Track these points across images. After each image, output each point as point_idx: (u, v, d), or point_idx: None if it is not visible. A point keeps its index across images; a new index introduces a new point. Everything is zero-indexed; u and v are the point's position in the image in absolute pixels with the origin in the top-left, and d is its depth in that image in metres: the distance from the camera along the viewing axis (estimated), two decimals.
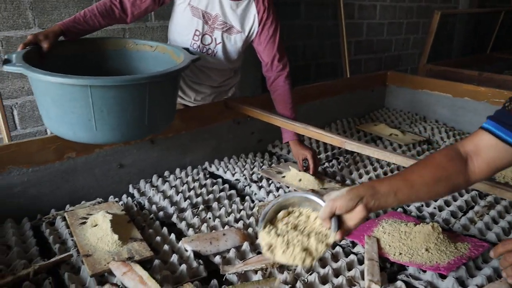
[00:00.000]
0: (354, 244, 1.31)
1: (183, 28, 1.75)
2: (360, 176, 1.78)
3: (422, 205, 1.54)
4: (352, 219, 0.94)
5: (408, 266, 1.21)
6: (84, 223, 1.31)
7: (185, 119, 1.80)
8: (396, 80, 2.74)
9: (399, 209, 1.52)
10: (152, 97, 1.34)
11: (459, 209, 1.51)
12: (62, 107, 1.29)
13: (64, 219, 1.37)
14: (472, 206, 1.55)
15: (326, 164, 1.90)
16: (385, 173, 1.80)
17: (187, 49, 1.60)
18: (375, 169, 1.84)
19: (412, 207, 1.53)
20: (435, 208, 1.52)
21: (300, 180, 1.65)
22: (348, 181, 1.72)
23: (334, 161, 1.92)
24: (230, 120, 1.97)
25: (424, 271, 1.19)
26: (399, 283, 1.13)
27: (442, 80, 2.57)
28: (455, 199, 1.57)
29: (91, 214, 1.35)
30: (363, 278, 1.14)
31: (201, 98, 1.98)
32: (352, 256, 1.24)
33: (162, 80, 1.38)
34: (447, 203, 1.55)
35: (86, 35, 1.64)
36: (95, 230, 1.25)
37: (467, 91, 2.39)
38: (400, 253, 1.23)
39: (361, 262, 1.22)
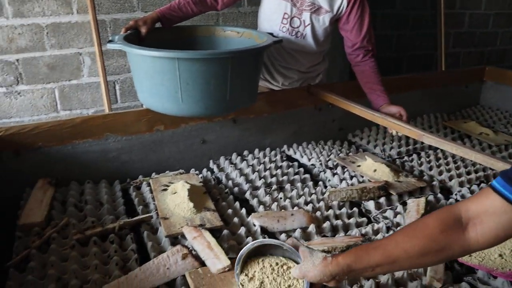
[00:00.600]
0: None
1: (272, 13, 1.80)
2: (440, 173, 1.71)
3: None
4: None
5: (477, 270, 1.17)
6: (165, 190, 1.44)
7: (268, 102, 1.86)
8: (494, 76, 2.55)
9: None
10: (233, 73, 1.42)
11: None
12: (153, 79, 1.42)
13: (149, 185, 1.51)
14: None
15: (406, 158, 1.86)
16: (468, 173, 1.72)
17: (271, 34, 1.65)
18: (457, 168, 1.76)
19: None
20: None
21: (375, 170, 1.63)
22: (426, 177, 1.67)
23: (414, 156, 1.86)
24: (312, 106, 1.99)
25: (495, 277, 1.14)
26: (464, 284, 1.10)
27: None
28: None
29: (172, 183, 1.48)
30: (426, 274, 1.12)
31: (289, 83, 2.02)
32: None
33: (244, 56, 1.47)
34: None
35: (180, 22, 1.77)
36: (174, 197, 1.37)
37: None
38: (470, 255, 1.19)
39: None
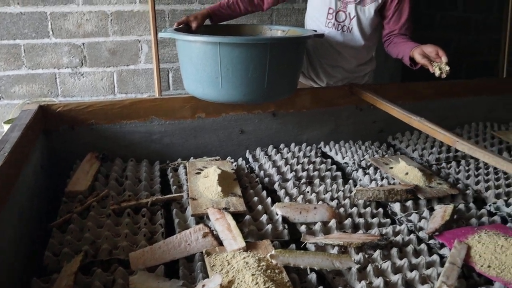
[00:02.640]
0: (442, 246, 1.28)
1: (317, 10, 1.84)
2: (477, 183, 1.67)
3: None
4: None
5: (494, 282, 1.15)
6: (199, 173, 1.53)
7: (308, 98, 1.90)
8: None
9: (509, 224, 1.42)
10: (272, 61, 1.50)
11: None
12: (196, 65, 1.53)
13: (185, 167, 1.61)
14: None
15: (444, 164, 1.83)
16: (508, 185, 1.67)
17: (315, 31, 1.70)
18: (497, 179, 1.71)
19: None
20: None
21: (406, 174, 1.63)
22: (460, 185, 1.64)
23: (453, 163, 1.83)
24: (353, 105, 2.01)
25: None
26: None
27: None
28: None
29: (206, 167, 1.56)
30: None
31: (334, 82, 2.05)
32: (435, 257, 1.21)
33: (282, 44, 1.54)
34: None
35: (229, 19, 1.87)
36: (205, 180, 1.45)
37: None
38: (489, 266, 1.17)
39: (443, 264, 1.20)
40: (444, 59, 1.62)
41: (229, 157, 1.76)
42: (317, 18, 1.85)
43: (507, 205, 1.53)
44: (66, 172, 1.54)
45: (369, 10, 1.79)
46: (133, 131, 1.69)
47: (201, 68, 1.52)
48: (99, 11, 2.46)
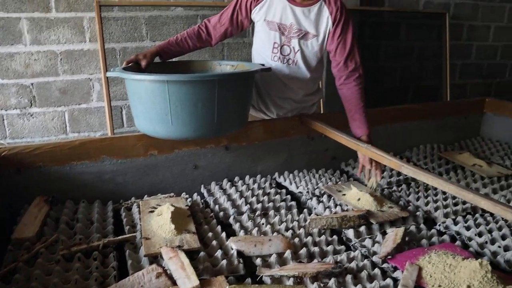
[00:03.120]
0: (395, 269, 1.31)
1: (263, 44, 1.89)
2: (427, 203, 1.73)
3: (486, 242, 1.47)
4: None
5: None
6: (152, 211, 1.51)
7: (260, 130, 1.93)
8: (495, 108, 2.57)
9: (458, 242, 1.47)
10: (220, 97, 1.52)
11: None
12: (146, 104, 1.53)
13: (138, 206, 1.58)
14: None
15: (395, 188, 1.89)
16: (455, 204, 1.74)
17: (262, 65, 1.75)
18: (445, 199, 1.78)
19: (474, 242, 1.46)
20: (499, 246, 1.44)
21: (358, 199, 1.67)
22: (411, 207, 1.70)
23: (403, 186, 1.89)
24: (305, 135, 2.05)
25: None
26: None
27: None
28: None
29: (160, 205, 1.55)
30: None
31: (283, 113, 2.09)
32: (388, 280, 1.24)
33: (229, 80, 1.57)
34: None
35: (178, 56, 1.89)
36: (158, 219, 1.43)
37: None
38: (440, 286, 1.21)
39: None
40: (378, 172, 1.80)
41: (183, 193, 1.75)
42: (263, 52, 1.91)
43: (455, 223, 1.60)
44: (13, 218, 1.49)
45: (312, 44, 1.86)
46: (83, 171, 1.66)
47: (151, 106, 1.52)
48: (48, 51, 2.43)
